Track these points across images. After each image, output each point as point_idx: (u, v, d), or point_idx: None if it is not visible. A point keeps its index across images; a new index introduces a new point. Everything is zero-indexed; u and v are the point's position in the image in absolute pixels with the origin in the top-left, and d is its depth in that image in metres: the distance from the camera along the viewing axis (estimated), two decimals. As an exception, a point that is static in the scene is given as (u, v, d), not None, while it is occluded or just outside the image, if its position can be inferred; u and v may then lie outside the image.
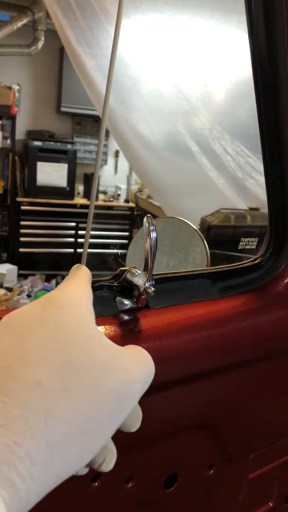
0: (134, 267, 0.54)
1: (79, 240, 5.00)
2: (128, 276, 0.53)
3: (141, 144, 3.03)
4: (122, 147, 3.42)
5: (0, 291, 3.86)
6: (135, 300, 0.54)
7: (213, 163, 2.93)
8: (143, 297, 0.53)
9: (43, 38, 4.39)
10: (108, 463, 0.33)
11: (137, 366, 0.32)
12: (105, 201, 5.22)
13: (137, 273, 0.53)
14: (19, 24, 4.26)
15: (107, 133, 4.50)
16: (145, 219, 0.51)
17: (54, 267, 4.93)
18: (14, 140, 4.82)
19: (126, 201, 5.29)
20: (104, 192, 5.42)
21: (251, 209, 2.59)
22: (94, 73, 2.77)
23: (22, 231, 4.77)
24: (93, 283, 0.52)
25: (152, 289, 0.51)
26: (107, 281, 0.54)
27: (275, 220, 0.66)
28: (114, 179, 5.47)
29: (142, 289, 0.51)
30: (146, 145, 3.03)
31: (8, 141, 4.79)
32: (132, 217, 5.22)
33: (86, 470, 0.33)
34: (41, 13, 4.23)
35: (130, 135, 2.99)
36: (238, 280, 0.65)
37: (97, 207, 5.08)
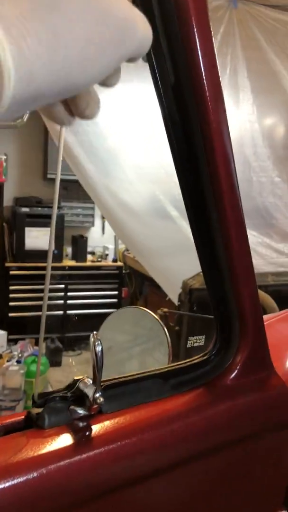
0: (87, 376, 0.60)
1: (68, 301, 5.04)
2: (81, 386, 0.59)
3: (123, 211, 3.15)
4: (105, 214, 3.56)
5: (-11, 359, 3.86)
6: (88, 408, 0.60)
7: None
8: (94, 406, 0.59)
9: (28, 112, 4.63)
10: (92, 110, 0.35)
11: (143, 22, 0.34)
12: (93, 261, 5.31)
13: (88, 383, 0.59)
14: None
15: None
16: (91, 336, 0.58)
17: (44, 331, 4.92)
18: (2, 207, 4.97)
19: (114, 260, 5.39)
20: (93, 253, 5.52)
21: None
22: (76, 148, 2.92)
23: (11, 295, 4.82)
24: (48, 395, 0.58)
25: (101, 399, 0.57)
26: (62, 392, 0.60)
27: (220, 317, 0.73)
28: (102, 239, 5.60)
29: (91, 399, 0.57)
30: (128, 212, 3.15)
31: (-3, 209, 4.93)
32: (120, 275, 5.30)
33: (71, 120, 0.36)
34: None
35: (112, 204, 3.12)
36: (189, 376, 0.71)
37: (85, 267, 5.17)
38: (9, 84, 0.26)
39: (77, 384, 0.59)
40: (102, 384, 0.58)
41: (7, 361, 4.07)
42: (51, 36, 0.27)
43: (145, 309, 0.93)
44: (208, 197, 0.65)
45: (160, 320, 0.88)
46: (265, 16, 3.03)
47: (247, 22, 3.01)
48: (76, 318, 4.96)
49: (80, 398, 0.60)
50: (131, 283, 5.39)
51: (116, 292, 5.24)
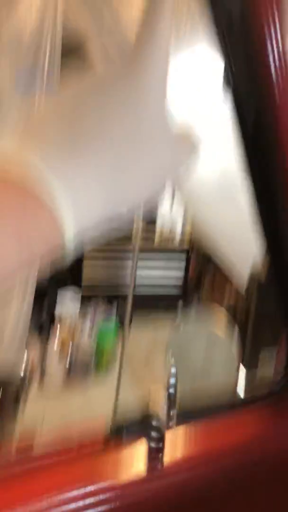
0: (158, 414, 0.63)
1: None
2: (154, 423, 0.62)
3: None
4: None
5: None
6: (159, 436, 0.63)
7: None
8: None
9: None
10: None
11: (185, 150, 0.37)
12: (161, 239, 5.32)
13: (162, 417, 0.62)
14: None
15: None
16: (166, 362, 0.60)
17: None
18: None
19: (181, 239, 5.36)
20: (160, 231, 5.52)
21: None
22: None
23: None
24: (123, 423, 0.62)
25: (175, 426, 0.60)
26: (137, 425, 0.63)
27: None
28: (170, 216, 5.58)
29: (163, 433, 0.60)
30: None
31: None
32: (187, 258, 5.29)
33: None
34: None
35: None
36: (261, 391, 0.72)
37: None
38: (70, 243, 0.29)
39: (151, 420, 0.62)
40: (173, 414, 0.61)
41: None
42: (110, 201, 0.31)
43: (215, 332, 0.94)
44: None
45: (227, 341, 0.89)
46: None
47: None
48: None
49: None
50: (197, 264, 5.36)
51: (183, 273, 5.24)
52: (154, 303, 4.67)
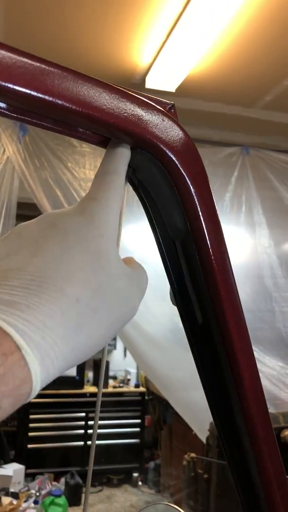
0: None
1: (89, 431, 4.85)
2: None
3: (146, 342, 3.16)
4: (127, 345, 3.57)
5: (5, 500, 3.63)
6: None
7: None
8: None
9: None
10: None
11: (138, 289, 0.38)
12: (115, 387, 5.19)
13: None
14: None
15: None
16: None
17: (63, 463, 4.69)
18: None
19: (137, 385, 5.26)
20: (114, 377, 5.42)
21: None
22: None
23: (31, 425, 4.67)
24: None
25: None
26: None
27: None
28: (124, 363, 5.53)
29: None
30: (151, 343, 3.16)
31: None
32: (143, 402, 5.13)
33: None
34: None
35: (135, 335, 3.15)
36: None
37: (107, 394, 5.04)
38: (34, 393, 0.30)
39: None
40: None
41: (24, 501, 3.82)
42: (75, 354, 0.33)
43: (171, 505, 0.89)
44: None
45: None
46: (276, 160, 3.28)
47: (259, 165, 3.25)
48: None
49: None
50: (154, 410, 5.20)
51: (139, 421, 5.04)
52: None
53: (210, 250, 0.45)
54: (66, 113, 0.41)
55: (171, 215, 0.44)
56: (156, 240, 0.51)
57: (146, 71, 2.57)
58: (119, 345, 5.57)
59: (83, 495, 4.46)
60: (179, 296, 0.56)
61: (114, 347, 5.55)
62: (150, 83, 2.63)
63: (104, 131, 0.43)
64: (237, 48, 2.36)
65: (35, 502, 3.83)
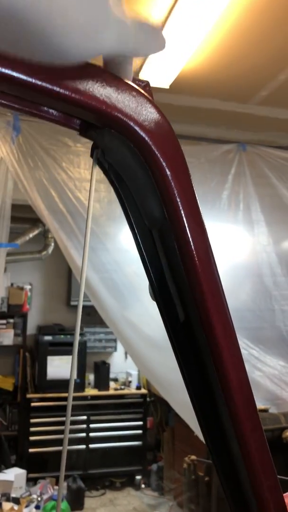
0: None
1: (91, 434, 4.80)
2: None
3: (145, 344, 3.12)
4: (126, 348, 3.53)
5: (6, 506, 3.58)
6: None
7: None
8: None
9: (52, 244, 4.85)
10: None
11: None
12: (116, 389, 5.14)
13: None
14: (31, 235, 4.75)
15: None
16: None
17: (66, 467, 4.64)
18: (25, 337, 4.98)
19: (138, 387, 5.21)
20: (115, 379, 5.37)
21: (260, 410, 2.54)
22: (97, 285, 2.99)
23: (32, 429, 4.62)
24: None
25: None
26: None
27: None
28: (125, 365, 5.48)
29: None
30: (149, 345, 3.12)
31: (20, 338, 4.95)
32: (145, 404, 5.08)
33: None
34: (50, 225, 4.74)
35: (134, 337, 3.10)
36: None
37: (108, 397, 4.99)
38: None
39: None
40: None
41: (26, 506, 3.77)
42: None
43: None
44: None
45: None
46: (274, 156, 3.24)
47: (256, 162, 3.21)
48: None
49: None
50: (156, 412, 5.15)
51: (141, 423, 4.99)
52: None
53: (190, 238, 0.41)
54: (22, 87, 0.37)
55: (145, 201, 0.40)
56: (131, 230, 0.46)
57: (139, 68, 2.54)
58: (120, 347, 5.53)
59: (85, 499, 4.41)
60: (158, 291, 0.51)
61: (115, 349, 5.50)
62: (143, 80, 2.59)
63: (68, 108, 0.39)
64: (231, 43, 2.32)
65: (37, 507, 3.78)
